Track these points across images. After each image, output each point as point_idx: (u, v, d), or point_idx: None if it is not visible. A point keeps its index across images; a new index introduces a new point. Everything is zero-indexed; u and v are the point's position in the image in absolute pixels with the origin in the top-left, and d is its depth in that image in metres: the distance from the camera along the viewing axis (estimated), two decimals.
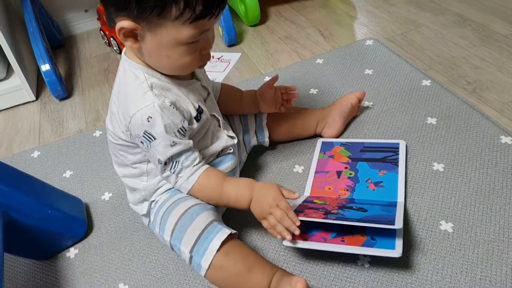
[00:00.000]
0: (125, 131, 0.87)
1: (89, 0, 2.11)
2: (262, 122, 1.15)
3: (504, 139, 1.11)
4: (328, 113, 1.20)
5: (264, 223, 0.87)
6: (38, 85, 1.79)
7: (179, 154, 0.86)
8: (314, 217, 0.86)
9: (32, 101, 1.70)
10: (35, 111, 1.65)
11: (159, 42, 0.78)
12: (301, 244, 0.88)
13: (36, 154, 1.39)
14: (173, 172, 0.88)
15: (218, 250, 0.82)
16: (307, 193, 1.04)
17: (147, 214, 0.98)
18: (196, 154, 0.89)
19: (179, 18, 0.75)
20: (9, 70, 1.71)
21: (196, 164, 0.88)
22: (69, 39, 2.13)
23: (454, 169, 1.05)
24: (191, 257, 0.83)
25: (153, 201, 0.96)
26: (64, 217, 1.04)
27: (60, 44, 2.06)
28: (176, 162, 0.87)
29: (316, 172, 1.10)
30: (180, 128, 0.84)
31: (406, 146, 1.12)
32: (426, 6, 1.80)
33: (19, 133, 1.55)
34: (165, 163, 0.86)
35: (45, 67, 1.61)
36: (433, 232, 0.93)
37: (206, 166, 0.91)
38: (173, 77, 0.87)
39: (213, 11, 0.77)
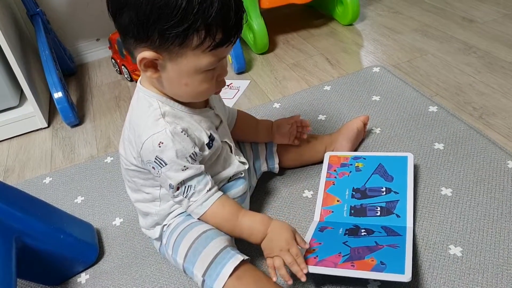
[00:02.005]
0: (136, 157, 0.88)
1: (100, 29, 2.15)
2: (273, 149, 1.17)
3: (511, 164, 1.11)
4: (336, 138, 1.21)
5: (269, 262, 0.88)
6: (50, 112, 1.82)
7: (191, 178, 0.87)
8: (324, 265, 0.88)
9: (44, 128, 1.73)
10: (47, 137, 1.67)
11: (179, 70, 0.81)
12: (312, 269, 0.88)
13: (48, 180, 1.40)
14: (186, 197, 0.89)
15: (230, 275, 0.83)
16: (316, 218, 1.05)
17: (159, 238, 0.99)
18: (208, 178, 0.90)
19: (199, 47, 0.77)
20: (22, 98, 1.74)
21: (210, 189, 0.89)
22: (81, 67, 2.18)
23: (462, 193, 1.06)
24: (203, 281, 0.84)
25: (165, 225, 0.97)
26: (76, 242, 1.05)
27: (72, 72, 2.10)
28: (188, 186, 0.88)
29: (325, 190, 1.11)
30: (192, 153, 0.86)
31: (415, 166, 1.14)
32: (432, 34, 1.83)
33: (31, 159, 1.57)
34: (177, 188, 0.87)
35: (57, 95, 1.64)
36: (442, 256, 0.93)
37: (221, 193, 0.92)
38: (187, 106, 0.89)
39: (231, 39, 0.80)
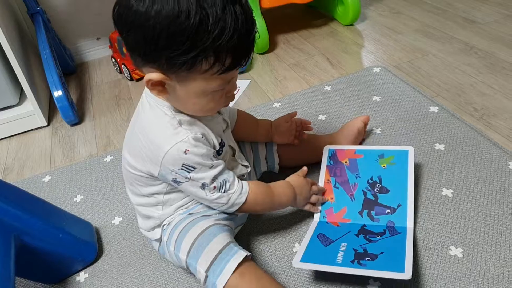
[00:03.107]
0: (154, 167, 0.86)
1: (101, 28, 2.15)
2: (273, 149, 1.16)
3: None
4: (336, 138, 1.21)
5: (307, 207, 1.03)
6: (50, 111, 1.81)
7: (221, 173, 0.87)
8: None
9: (44, 127, 1.73)
10: (47, 136, 1.67)
11: (187, 92, 0.80)
12: (311, 266, 0.88)
13: (47, 178, 1.40)
14: (224, 191, 0.88)
15: (234, 271, 0.82)
16: (316, 218, 1.05)
17: (159, 239, 0.98)
18: (231, 171, 0.91)
19: (208, 71, 0.76)
20: (22, 96, 1.74)
21: (238, 179, 0.91)
22: (81, 66, 2.17)
23: (463, 194, 1.06)
24: (206, 277, 0.84)
25: (165, 224, 0.96)
26: (75, 241, 1.04)
27: (72, 70, 2.10)
28: (223, 181, 0.88)
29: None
30: (214, 153, 0.87)
31: (416, 166, 1.13)
32: (433, 34, 1.83)
33: (30, 157, 1.56)
34: (214, 187, 0.87)
35: (57, 93, 1.64)
36: (443, 257, 0.93)
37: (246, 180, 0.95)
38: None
39: (241, 63, 0.78)
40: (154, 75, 0.77)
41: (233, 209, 0.92)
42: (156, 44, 0.72)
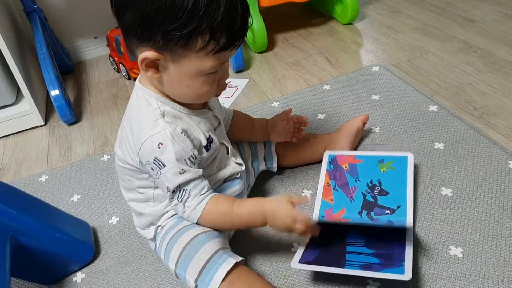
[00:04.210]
0: (134, 158, 0.87)
1: (98, 27, 2.14)
2: (271, 148, 1.15)
3: None
4: (335, 138, 1.20)
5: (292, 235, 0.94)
6: (47, 110, 1.81)
7: (188, 182, 0.85)
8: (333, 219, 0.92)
9: (41, 126, 1.72)
10: (44, 135, 1.66)
11: (181, 72, 0.80)
12: (310, 267, 0.87)
13: (44, 178, 1.39)
14: (181, 201, 0.86)
15: (223, 279, 0.81)
16: (315, 218, 1.04)
17: (154, 239, 0.97)
18: (205, 183, 0.88)
19: (203, 50, 0.76)
20: (18, 95, 1.73)
21: (204, 193, 0.87)
22: (78, 65, 2.16)
23: (463, 194, 1.05)
24: (196, 287, 0.83)
25: (160, 225, 0.96)
26: (72, 241, 1.03)
27: (70, 69, 2.09)
28: (183, 190, 0.86)
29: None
30: (191, 156, 0.84)
31: (415, 165, 1.12)
32: (432, 33, 1.82)
33: (27, 157, 1.55)
34: (173, 191, 0.85)
35: (54, 92, 1.63)
36: (443, 257, 0.92)
37: (213, 193, 0.89)
38: (186, 106, 0.88)
39: (236, 43, 0.79)
40: (149, 53, 0.77)
41: (192, 221, 0.90)
42: (153, 18, 0.73)
